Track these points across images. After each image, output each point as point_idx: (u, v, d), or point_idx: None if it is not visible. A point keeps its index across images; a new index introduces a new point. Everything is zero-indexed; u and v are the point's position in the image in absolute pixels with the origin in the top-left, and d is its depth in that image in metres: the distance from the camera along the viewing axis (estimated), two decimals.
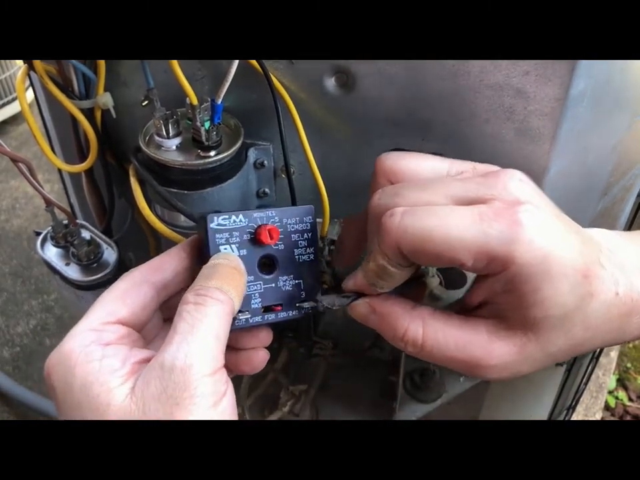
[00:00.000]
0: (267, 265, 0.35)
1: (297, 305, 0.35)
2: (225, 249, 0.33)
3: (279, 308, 0.35)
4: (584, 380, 0.78)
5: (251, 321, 0.34)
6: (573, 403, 0.82)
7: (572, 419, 0.90)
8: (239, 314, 0.33)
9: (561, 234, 0.29)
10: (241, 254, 0.34)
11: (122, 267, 0.49)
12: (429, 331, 0.32)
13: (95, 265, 0.48)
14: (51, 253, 0.49)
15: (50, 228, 0.50)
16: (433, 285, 0.40)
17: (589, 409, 1.32)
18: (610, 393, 1.44)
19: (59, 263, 0.48)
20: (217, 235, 0.33)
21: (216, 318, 0.30)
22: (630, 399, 1.46)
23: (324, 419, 0.56)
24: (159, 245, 0.50)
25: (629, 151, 0.43)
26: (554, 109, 0.34)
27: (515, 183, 0.30)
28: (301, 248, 0.36)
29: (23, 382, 1.38)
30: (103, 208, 0.50)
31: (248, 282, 0.34)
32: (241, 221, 0.34)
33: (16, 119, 2.21)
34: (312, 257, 0.36)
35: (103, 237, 0.50)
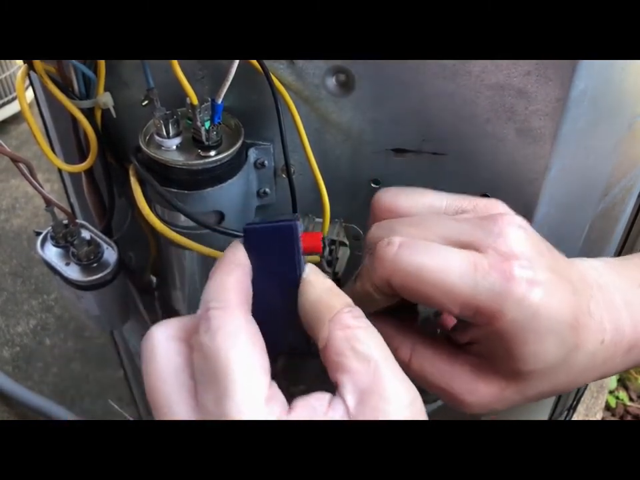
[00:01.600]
0: None
1: None
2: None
3: None
4: None
5: None
6: (574, 403, 0.82)
7: (572, 419, 0.90)
8: None
9: (552, 289, 0.29)
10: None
11: (122, 266, 0.49)
12: (416, 357, 0.33)
13: (95, 264, 0.48)
14: (51, 253, 0.49)
15: (50, 228, 0.50)
16: None
17: (590, 409, 1.32)
18: (611, 393, 1.44)
19: (59, 263, 0.48)
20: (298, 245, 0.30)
21: None
22: (631, 399, 1.46)
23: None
24: (159, 244, 0.50)
25: (629, 151, 0.43)
26: (555, 109, 0.34)
27: (513, 230, 0.29)
28: None
29: (23, 382, 1.38)
30: (103, 208, 0.50)
31: None
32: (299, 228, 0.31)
33: (16, 118, 2.21)
34: None
35: (103, 236, 0.49)
